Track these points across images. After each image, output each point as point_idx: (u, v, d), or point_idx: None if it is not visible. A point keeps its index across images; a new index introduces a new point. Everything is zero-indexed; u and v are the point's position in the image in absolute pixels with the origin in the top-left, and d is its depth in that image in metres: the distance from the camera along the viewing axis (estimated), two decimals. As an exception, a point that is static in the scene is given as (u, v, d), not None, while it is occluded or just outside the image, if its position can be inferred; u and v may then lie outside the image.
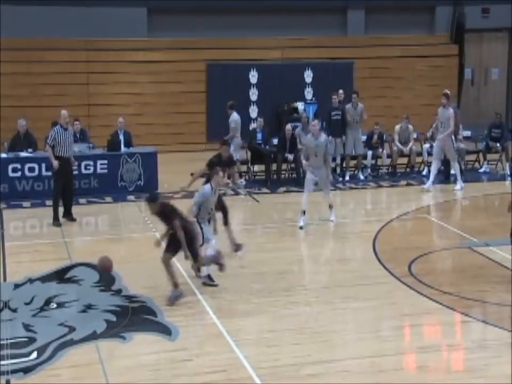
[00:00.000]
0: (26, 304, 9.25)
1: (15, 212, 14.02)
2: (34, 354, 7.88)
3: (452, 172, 16.09)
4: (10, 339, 8.22)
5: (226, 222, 11.26)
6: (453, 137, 15.82)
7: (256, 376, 7.42)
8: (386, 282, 10.11)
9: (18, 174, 14.83)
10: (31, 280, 10.07)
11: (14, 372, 7.54)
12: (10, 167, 14.82)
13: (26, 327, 8.58)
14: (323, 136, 13.02)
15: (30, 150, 15.27)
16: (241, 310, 9.19)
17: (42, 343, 8.18)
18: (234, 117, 16.67)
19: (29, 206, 14.42)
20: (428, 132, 17.43)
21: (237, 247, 11.26)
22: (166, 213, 9.35)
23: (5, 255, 11.34)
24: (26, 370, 7.57)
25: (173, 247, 9.39)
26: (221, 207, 11.09)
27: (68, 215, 13.35)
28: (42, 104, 18.92)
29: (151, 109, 20.14)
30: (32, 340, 8.26)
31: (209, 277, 9.99)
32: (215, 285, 9.89)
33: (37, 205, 14.32)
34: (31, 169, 14.91)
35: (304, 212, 12.80)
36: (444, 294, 9.60)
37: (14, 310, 9.07)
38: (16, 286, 9.91)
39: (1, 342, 8.11)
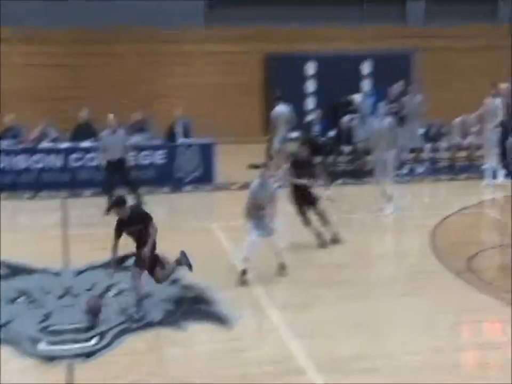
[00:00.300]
0: (88, 290, 9.41)
1: (76, 201, 14.23)
2: (95, 340, 8.02)
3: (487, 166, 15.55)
4: (72, 324, 8.39)
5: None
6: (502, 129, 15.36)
7: (311, 368, 7.43)
8: (443, 278, 9.99)
9: (80, 163, 15.16)
10: (92, 268, 10.23)
11: (77, 356, 7.71)
12: (72, 156, 15.18)
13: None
14: (387, 120, 13.05)
15: (90, 139, 15.48)
16: (298, 302, 9.20)
17: (102, 329, 8.31)
18: (279, 109, 16.46)
19: (90, 195, 14.65)
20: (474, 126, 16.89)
21: (323, 243, 11.23)
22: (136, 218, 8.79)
23: (67, 243, 11.55)
24: (88, 355, 7.72)
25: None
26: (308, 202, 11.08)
27: None
28: (104, 94, 19.11)
29: (210, 100, 20.20)
30: (92, 326, 8.42)
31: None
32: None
33: (98, 194, 14.49)
34: (92, 159, 15.14)
35: (390, 198, 12.65)
36: (503, 291, 9.45)
37: (76, 296, 9.24)
38: (78, 273, 10.11)
39: (64, 327, 8.28)
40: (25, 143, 15.21)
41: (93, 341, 8.00)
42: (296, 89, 19.04)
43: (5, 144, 15.37)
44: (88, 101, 17.84)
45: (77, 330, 8.29)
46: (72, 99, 18.65)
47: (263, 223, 9.84)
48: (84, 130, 15.69)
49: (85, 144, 15.49)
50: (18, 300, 9.17)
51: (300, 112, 17.38)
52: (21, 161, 15.06)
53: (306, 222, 11.35)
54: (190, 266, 9.33)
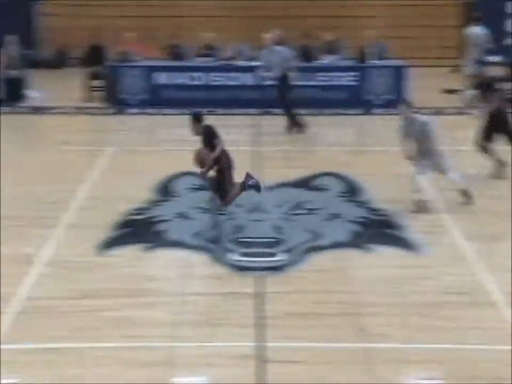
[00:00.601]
0: (277, 207, 9.67)
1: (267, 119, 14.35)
2: (282, 256, 8.26)
3: None
4: (261, 238, 8.69)
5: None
6: None
7: (501, 302, 7.28)
8: None
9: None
10: (282, 185, 10.47)
11: (264, 269, 8.01)
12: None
13: (276, 229, 9.01)
14: None
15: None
16: (487, 233, 8.98)
17: (290, 245, 8.55)
18: (475, 30, 15.64)
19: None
20: None
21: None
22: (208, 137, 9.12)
23: (260, 160, 11.86)
24: (275, 269, 7.98)
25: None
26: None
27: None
28: (292, 14, 19.11)
29: (404, 20, 19.69)
30: (280, 241, 8.68)
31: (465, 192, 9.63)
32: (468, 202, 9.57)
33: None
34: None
35: None
36: None
37: (266, 212, 9.54)
38: (269, 189, 10.37)
39: (252, 240, 8.62)
40: (222, 61, 15.54)
41: (280, 256, 8.24)
42: (496, 9, 17.98)
43: (203, 61, 15.86)
44: (282, 21, 17.88)
45: (266, 244, 8.56)
46: (266, 18, 18.77)
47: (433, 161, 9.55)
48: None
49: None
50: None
51: (499, 34, 16.43)
52: (217, 78, 15.54)
53: (488, 150, 10.87)
54: (258, 188, 9.49)
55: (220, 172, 9.22)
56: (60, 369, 6.03)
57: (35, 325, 6.74)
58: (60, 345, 6.39)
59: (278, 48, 13.69)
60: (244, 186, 9.42)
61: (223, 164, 9.20)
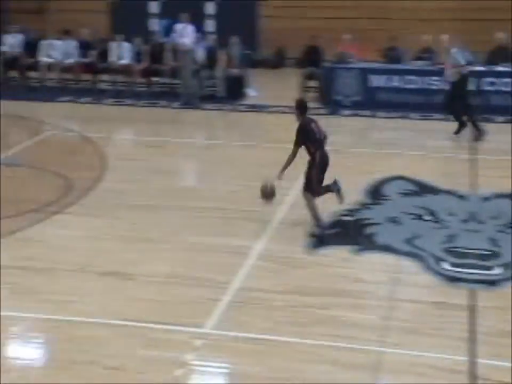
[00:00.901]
0: (493, 218, 9.32)
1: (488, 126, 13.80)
2: (498, 270, 7.95)
3: None
4: (475, 249, 8.40)
5: None
6: None
7: None
8: None
9: (494, 87, 15.03)
10: (498, 196, 10.09)
11: (478, 282, 7.72)
12: (485, 80, 15.02)
13: (492, 241, 8.67)
14: None
15: (506, 64, 15.08)
16: None
17: (507, 259, 8.18)
18: None
19: (502, 121, 14.35)
20: None
21: None
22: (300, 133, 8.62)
23: (476, 167, 11.51)
24: (490, 283, 7.68)
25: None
26: None
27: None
28: None
29: None
30: (497, 255, 8.35)
31: None
32: None
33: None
34: (506, 84, 14.97)
35: None
36: None
37: (481, 222, 9.22)
38: (485, 199, 10.04)
39: (468, 251, 8.33)
40: (438, 65, 15.18)
41: (497, 270, 7.93)
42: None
43: (419, 64, 15.71)
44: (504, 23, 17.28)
45: (481, 256, 8.26)
46: (486, 21, 18.15)
47: None
48: (500, 54, 15.32)
49: (500, 68, 15.18)
50: (425, 217, 9.37)
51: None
52: (433, 82, 15.29)
53: None
54: (340, 197, 9.09)
55: (310, 170, 8.86)
56: (266, 360, 6.17)
57: (245, 314, 6.94)
58: (267, 337, 6.53)
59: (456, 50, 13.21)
60: (329, 188, 9.10)
61: (315, 162, 8.82)
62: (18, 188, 10.44)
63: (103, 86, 16.98)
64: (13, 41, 17.09)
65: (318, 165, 8.81)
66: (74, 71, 16.95)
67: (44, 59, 16.82)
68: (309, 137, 8.74)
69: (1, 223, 9.02)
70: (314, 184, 8.85)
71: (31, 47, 17.00)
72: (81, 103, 15.97)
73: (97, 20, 19.35)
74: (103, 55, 16.91)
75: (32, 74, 17.02)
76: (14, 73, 17.13)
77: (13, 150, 12.34)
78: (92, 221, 9.24)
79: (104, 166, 11.42)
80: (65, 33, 17.12)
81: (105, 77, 17.05)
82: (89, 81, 17.01)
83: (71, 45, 16.93)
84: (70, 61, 16.84)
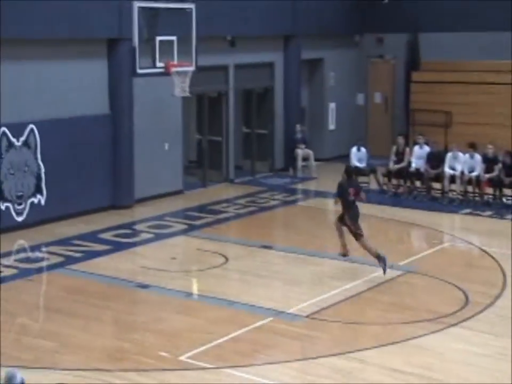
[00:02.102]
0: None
1: None
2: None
3: None
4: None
5: None
6: None
7: None
8: None
9: None
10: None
11: None
12: None
13: None
14: None
15: None
16: None
17: None
18: None
19: None
20: None
21: None
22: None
23: None
24: None
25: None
26: None
27: None
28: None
29: None
30: None
31: None
32: None
33: None
34: None
35: None
36: None
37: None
38: None
39: None
40: None
41: None
42: None
43: None
44: None
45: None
46: None
47: None
48: None
49: None
50: None
51: None
52: None
53: None
54: (384, 271, 11.21)
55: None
56: None
57: None
58: None
59: None
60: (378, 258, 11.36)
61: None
62: (416, 295, 10.70)
63: (506, 200, 16.72)
64: (419, 153, 17.67)
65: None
66: (478, 184, 16.93)
67: (447, 171, 17.08)
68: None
69: (398, 328, 9.23)
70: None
71: (435, 158, 17.41)
72: (482, 216, 15.86)
73: (502, 133, 19.23)
74: (509, 169, 16.64)
75: (435, 185, 17.32)
76: (417, 183, 17.62)
77: (413, 257, 12.67)
78: (491, 339, 9.04)
79: (504, 283, 11.13)
80: (470, 147, 17.28)
81: (508, 191, 16.73)
82: (492, 195, 16.89)
83: (475, 158, 17.00)
84: (474, 174, 16.88)
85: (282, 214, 16.50)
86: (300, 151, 19.80)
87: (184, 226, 14.93)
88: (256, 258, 12.73)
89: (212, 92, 18.77)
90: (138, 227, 14.99)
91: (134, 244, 13.85)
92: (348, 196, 11.42)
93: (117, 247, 13.42)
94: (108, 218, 15.15)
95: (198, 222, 15.22)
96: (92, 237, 13.98)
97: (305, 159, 19.80)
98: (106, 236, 14.09)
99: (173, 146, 17.36)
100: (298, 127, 20.09)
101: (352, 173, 12.10)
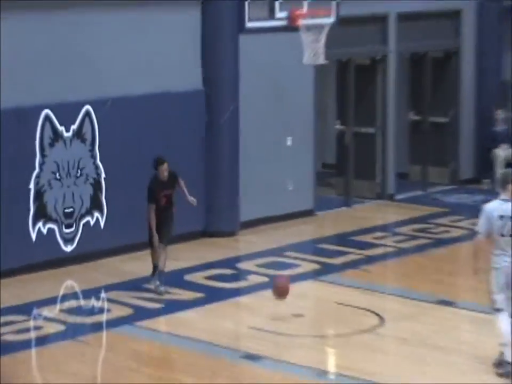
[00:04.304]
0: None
1: None
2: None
3: None
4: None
5: None
6: None
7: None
8: None
9: None
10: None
11: None
12: None
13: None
14: None
15: None
16: None
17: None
18: None
19: None
20: None
21: None
22: None
23: None
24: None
25: None
26: None
27: None
28: None
29: None
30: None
31: None
32: None
33: None
34: None
35: None
36: None
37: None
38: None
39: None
40: None
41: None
42: None
43: None
44: None
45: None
46: None
47: None
48: None
49: None
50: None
51: None
52: None
53: None
54: None
55: None
56: None
57: None
58: None
59: None
60: None
61: None
62: None
63: None
64: None
65: None
66: None
67: None
68: None
69: None
70: None
71: None
72: None
73: None
74: None
75: None
76: None
77: None
78: None
79: None
80: None
81: None
82: None
83: None
84: None
85: (471, 251, 16.15)
86: (502, 153, 19.58)
87: (315, 266, 14.92)
88: (428, 320, 12.61)
89: (362, 58, 18.79)
90: (244, 265, 15.08)
91: (237, 292, 13.89)
92: None
93: (213, 295, 13.46)
94: (199, 251, 15.21)
95: (336, 260, 15.16)
96: (175, 278, 14.00)
97: (510, 164, 19.03)
98: (197, 277, 14.15)
99: (299, 141, 17.39)
100: (499, 113, 19.80)
101: None
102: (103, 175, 15.11)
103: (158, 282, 13.45)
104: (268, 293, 13.09)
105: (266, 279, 14.35)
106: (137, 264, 14.76)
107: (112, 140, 15.11)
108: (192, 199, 13.71)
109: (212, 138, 16.17)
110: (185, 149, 15.97)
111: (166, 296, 13.46)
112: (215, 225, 16.33)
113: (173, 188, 13.66)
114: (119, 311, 12.96)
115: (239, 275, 14.80)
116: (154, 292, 13.51)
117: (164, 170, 13.40)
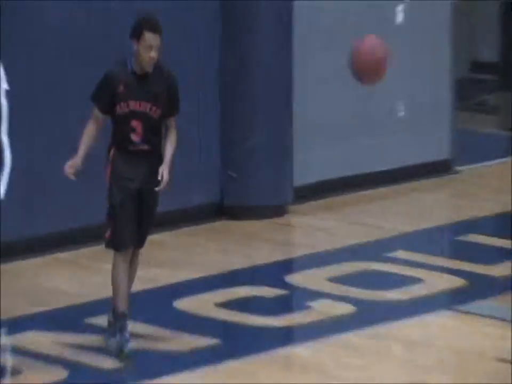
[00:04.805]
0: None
1: None
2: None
3: None
4: None
5: None
6: None
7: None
8: None
9: None
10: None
11: None
12: None
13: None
14: None
15: None
16: None
17: None
18: None
19: None
20: None
21: None
22: None
23: None
24: None
25: None
26: None
27: None
28: None
29: None
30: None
31: None
32: None
33: None
34: None
35: None
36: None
37: None
38: None
39: None
40: None
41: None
42: None
43: None
44: None
45: None
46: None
47: None
48: None
49: None
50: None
51: None
52: None
53: None
54: None
55: None
56: None
57: None
58: None
59: None
60: None
61: None
62: None
63: None
64: None
65: None
66: None
67: None
68: None
69: None
70: None
71: None
72: None
73: None
74: None
75: None
76: None
77: None
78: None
79: None
80: None
81: None
82: None
83: None
84: None
85: None
86: None
87: (456, 282, 10.22)
88: None
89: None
90: (300, 280, 10.83)
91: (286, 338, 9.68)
92: None
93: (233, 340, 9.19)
94: (211, 246, 11.29)
95: (495, 270, 10.50)
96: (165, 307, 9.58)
97: None
98: (208, 306, 9.58)
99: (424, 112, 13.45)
100: None
101: None
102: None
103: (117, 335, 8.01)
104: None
105: (352, 307, 9.37)
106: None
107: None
108: (165, 178, 7.54)
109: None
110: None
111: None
112: (239, 197, 11.48)
113: (157, 103, 7.66)
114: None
115: (289, 300, 10.01)
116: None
117: (153, 47, 7.53)
